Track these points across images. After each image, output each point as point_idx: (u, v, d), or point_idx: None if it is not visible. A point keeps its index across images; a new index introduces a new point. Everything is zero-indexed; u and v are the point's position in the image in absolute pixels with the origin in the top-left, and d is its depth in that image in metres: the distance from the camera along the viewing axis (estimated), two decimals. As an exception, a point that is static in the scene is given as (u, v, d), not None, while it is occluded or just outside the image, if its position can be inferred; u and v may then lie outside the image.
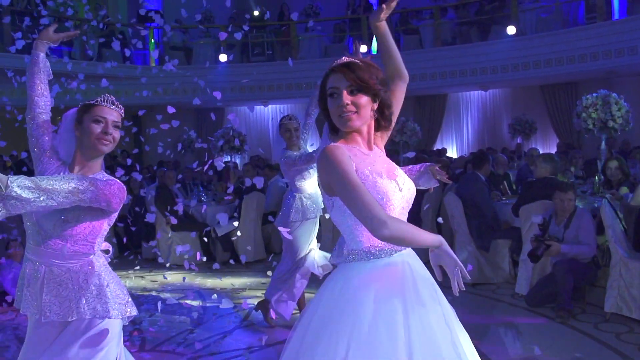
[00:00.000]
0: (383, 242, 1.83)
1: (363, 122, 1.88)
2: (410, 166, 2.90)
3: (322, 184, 1.86)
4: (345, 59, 1.88)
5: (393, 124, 2.05)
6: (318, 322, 1.82)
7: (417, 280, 1.85)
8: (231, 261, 6.51)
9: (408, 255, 1.91)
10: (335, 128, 1.95)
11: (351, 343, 1.73)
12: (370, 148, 1.94)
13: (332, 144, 1.86)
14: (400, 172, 1.95)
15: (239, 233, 6.53)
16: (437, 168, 2.67)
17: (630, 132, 8.56)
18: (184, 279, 6.07)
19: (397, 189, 1.87)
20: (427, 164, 2.89)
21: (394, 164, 2.00)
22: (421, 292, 1.82)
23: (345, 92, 1.83)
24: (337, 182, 1.77)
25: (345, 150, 1.82)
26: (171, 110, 4.11)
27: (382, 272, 1.83)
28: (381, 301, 1.77)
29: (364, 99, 1.85)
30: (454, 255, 1.81)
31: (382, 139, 2.05)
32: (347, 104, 1.83)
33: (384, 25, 2.06)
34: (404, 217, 1.92)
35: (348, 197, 1.75)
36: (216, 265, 5.26)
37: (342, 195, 1.77)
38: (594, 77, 11.96)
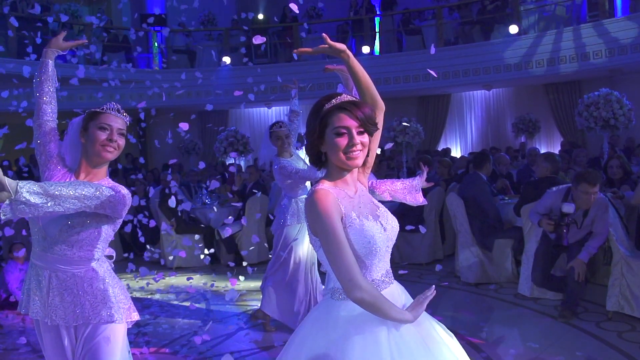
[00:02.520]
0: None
1: (363, 160, 1.93)
2: (403, 179, 2.95)
3: (309, 226, 1.90)
4: (347, 97, 1.90)
5: (374, 155, 2.11)
6: (307, 349, 1.86)
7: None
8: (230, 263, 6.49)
9: (391, 292, 1.94)
10: (318, 162, 1.98)
11: None
12: (355, 188, 1.98)
13: (321, 187, 1.88)
14: (382, 212, 1.98)
15: (243, 222, 6.48)
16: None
17: (635, 129, 8.56)
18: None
19: (382, 230, 1.90)
20: (418, 179, 2.93)
21: (375, 201, 2.03)
22: (403, 328, 1.86)
23: (355, 132, 1.87)
24: (321, 235, 1.82)
25: (334, 196, 1.85)
26: (184, 127, 4.09)
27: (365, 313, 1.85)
28: (368, 333, 1.82)
29: (367, 138, 1.90)
30: (424, 305, 1.90)
31: (364, 173, 2.10)
32: (358, 143, 1.87)
33: (349, 58, 2.06)
34: (388, 256, 1.97)
35: (330, 253, 1.79)
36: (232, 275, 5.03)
37: (325, 249, 1.81)
38: (597, 75, 11.95)
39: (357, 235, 1.84)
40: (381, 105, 2.10)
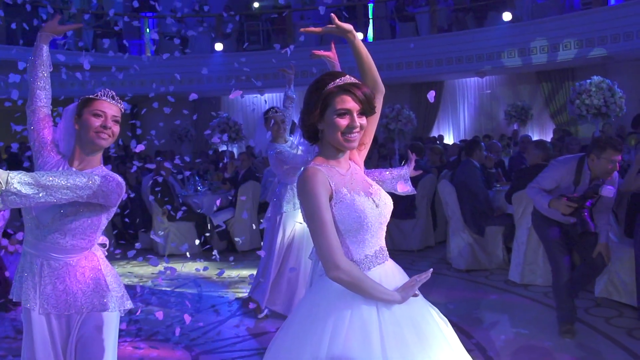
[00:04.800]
0: (361, 257, 1.91)
1: (358, 143, 1.96)
2: (391, 169, 2.95)
3: (299, 201, 1.93)
4: (350, 78, 1.90)
5: (371, 137, 2.14)
6: (300, 328, 1.90)
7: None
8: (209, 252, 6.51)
9: (385, 269, 1.96)
10: (313, 137, 1.99)
11: (331, 347, 1.79)
12: (348, 166, 2.00)
13: (312, 165, 1.91)
14: (375, 189, 2.00)
15: (242, 202, 6.37)
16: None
17: (626, 117, 8.60)
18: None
19: (373, 206, 1.93)
20: (407, 169, 2.93)
21: (369, 180, 2.06)
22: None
23: (355, 114, 1.89)
24: (307, 212, 1.86)
25: (323, 174, 1.87)
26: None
27: None
28: (356, 309, 1.84)
29: (365, 120, 1.93)
30: (416, 287, 1.90)
31: (360, 154, 2.12)
32: (358, 126, 1.89)
33: (355, 39, 2.07)
34: (382, 232, 1.98)
35: (313, 231, 1.84)
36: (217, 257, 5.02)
37: (310, 227, 1.86)
38: (590, 63, 11.96)
39: (347, 210, 1.87)
40: (381, 88, 2.12)
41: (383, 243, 2.00)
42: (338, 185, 1.90)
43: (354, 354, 1.77)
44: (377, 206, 1.93)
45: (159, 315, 3.79)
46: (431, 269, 1.95)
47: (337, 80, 1.89)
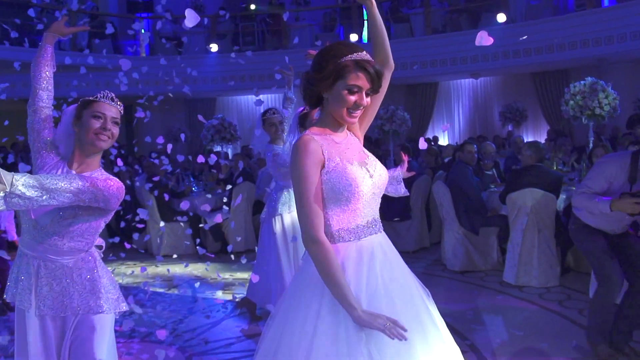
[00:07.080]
0: (352, 226, 1.92)
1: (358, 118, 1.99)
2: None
3: (290, 168, 1.94)
4: (366, 55, 1.90)
5: (375, 112, 2.15)
6: (291, 299, 1.93)
7: (384, 261, 1.93)
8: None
9: (378, 240, 1.98)
10: (315, 103, 1.99)
11: (320, 312, 1.83)
12: (345, 135, 2.01)
13: (308, 133, 1.92)
14: (371, 160, 2.00)
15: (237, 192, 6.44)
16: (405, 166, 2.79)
17: (620, 118, 8.63)
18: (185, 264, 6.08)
19: (367, 175, 1.93)
20: (399, 170, 2.92)
21: (366, 151, 2.06)
22: (384, 273, 1.90)
23: (364, 93, 1.91)
24: (294, 180, 1.87)
25: (316, 143, 1.88)
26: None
27: (350, 253, 1.89)
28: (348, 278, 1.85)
29: (370, 99, 1.96)
30: (377, 321, 1.76)
31: (361, 126, 2.12)
32: (364, 105, 1.92)
33: (373, 6, 2.10)
34: (376, 203, 1.99)
35: (298, 201, 1.86)
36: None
37: (295, 197, 1.88)
38: (584, 64, 12.00)
39: (338, 177, 1.87)
40: (391, 64, 2.14)
41: (377, 215, 2.01)
42: (331, 153, 1.90)
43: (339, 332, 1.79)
44: (371, 176, 1.94)
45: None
46: (407, 336, 1.75)
47: (355, 54, 1.88)
